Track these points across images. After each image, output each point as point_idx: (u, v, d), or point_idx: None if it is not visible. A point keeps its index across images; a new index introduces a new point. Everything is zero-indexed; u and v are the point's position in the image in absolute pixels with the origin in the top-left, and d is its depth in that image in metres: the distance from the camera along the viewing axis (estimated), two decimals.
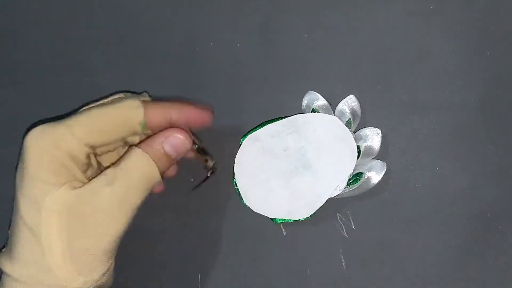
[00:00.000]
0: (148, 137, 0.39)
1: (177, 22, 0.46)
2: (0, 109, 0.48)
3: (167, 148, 0.39)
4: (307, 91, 0.44)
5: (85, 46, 0.47)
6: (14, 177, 0.38)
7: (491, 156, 0.43)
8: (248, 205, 0.43)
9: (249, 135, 0.44)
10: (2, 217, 0.48)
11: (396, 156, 0.43)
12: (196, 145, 0.40)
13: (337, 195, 0.43)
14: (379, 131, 0.43)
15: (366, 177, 0.43)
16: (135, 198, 0.37)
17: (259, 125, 0.44)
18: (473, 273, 0.39)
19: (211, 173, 0.41)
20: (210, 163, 0.41)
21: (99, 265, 0.36)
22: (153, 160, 0.37)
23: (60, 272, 0.35)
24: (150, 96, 0.42)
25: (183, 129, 0.39)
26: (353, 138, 0.43)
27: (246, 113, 0.45)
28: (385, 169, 0.43)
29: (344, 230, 0.44)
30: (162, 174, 0.38)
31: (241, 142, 0.44)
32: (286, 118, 0.43)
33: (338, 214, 0.43)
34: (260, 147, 0.43)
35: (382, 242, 0.43)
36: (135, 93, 0.42)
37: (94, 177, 0.37)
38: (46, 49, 0.48)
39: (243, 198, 0.43)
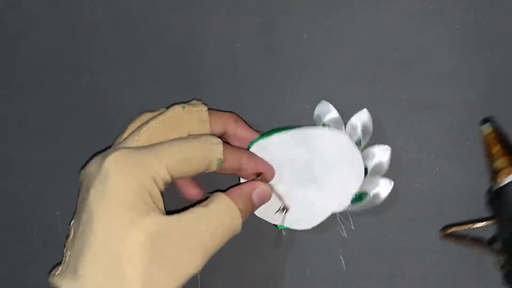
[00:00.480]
0: (235, 186, 0.40)
1: (177, 22, 0.46)
2: (0, 109, 0.48)
3: (255, 198, 0.40)
4: (320, 101, 0.44)
5: (85, 46, 0.47)
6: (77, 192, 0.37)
7: None
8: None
9: (257, 143, 0.43)
10: (2, 217, 0.48)
11: (396, 156, 0.43)
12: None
13: (339, 211, 0.43)
14: (388, 147, 0.42)
15: (371, 195, 0.42)
16: (216, 245, 0.37)
17: (268, 132, 0.43)
18: (472, 273, 0.39)
19: (285, 210, 0.42)
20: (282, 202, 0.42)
21: None
22: (242, 210, 0.38)
23: None
24: (205, 104, 0.42)
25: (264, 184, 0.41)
26: (361, 159, 0.42)
27: (246, 113, 0.45)
28: (391, 187, 0.42)
29: (344, 230, 0.44)
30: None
31: (248, 148, 0.43)
32: (297, 129, 0.43)
33: (338, 214, 0.43)
34: (267, 156, 0.42)
35: (382, 242, 0.43)
36: (197, 100, 0.43)
37: (175, 212, 0.36)
38: (46, 49, 0.48)
39: None
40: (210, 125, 0.41)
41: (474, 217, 0.42)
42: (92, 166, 0.36)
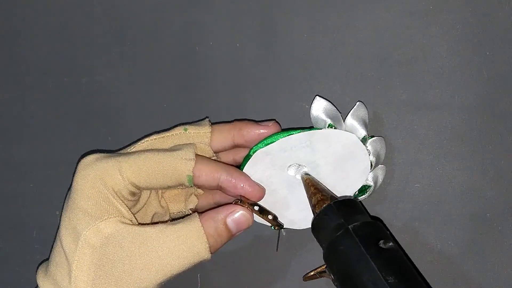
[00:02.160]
0: (213, 208, 0.38)
1: (177, 22, 0.46)
2: (0, 109, 0.48)
3: (230, 224, 0.38)
4: (315, 97, 0.42)
5: (84, 46, 0.47)
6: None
7: (490, 156, 0.43)
8: None
9: (260, 150, 0.41)
10: (2, 217, 0.48)
11: (396, 156, 0.43)
12: (258, 207, 0.39)
13: None
14: (382, 138, 0.42)
15: (372, 186, 0.42)
16: (176, 267, 0.36)
17: (270, 136, 0.41)
18: (473, 273, 0.39)
19: (279, 228, 0.41)
20: (275, 220, 0.40)
21: None
22: (213, 235, 0.36)
23: None
24: (210, 122, 0.41)
25: (247, 207, 0.38)
26: (367, 155, 0.41)
27: (246, 113, 0.45)
28: (385, 170, 0.43)
29: None
30: (215, 250, 0.37)
31: (250, 153, 0.41)
32: (301, 133, 0.41)
33: None
34: (270, 162, 0.41)
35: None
36: (199, 121, 0.42)
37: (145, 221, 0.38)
38: (45, 49, 0.48)
39: None
40: (212, 145, 0.40)
41: (474, 217, 0.42)
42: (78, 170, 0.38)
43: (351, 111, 0.42)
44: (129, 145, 0.41)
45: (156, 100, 0.46)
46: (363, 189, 0.42)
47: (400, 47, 0.43)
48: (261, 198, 0.39)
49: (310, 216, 0.41)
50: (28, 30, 0.48)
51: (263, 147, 0.40)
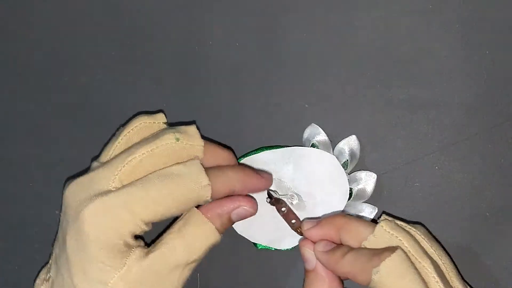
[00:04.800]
0: (215, 201, 0.38)
1: (177, 22, 0.46)
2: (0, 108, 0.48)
3: (234, 217, 0.38)
4: (310, 124, 0.43)
5: (83, 46, 0.47)
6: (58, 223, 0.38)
7: (490, 155, 0.42)
8: (233, 226, 0.42)
9: (246, 158, 0.43)
10: (2, 217, 0.48)
11: (395, 156, 0.43)
12: (272, 198, 0.41)
13: None
14: (375, 175, 0.42)
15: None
16: (195, 264, 0.37)
17: (257, 149, 0.43)
18: (473, 273, 0.39)
19: (300, 233, 0.41)
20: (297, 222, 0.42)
21: None
22: (219, 229, 0.37)
23: None
24: (165, 115, 0.41)
25: (249, 197, 0.39)
26: (347, 180, 0.42)
27: (246, 113, 0.45)
28: (375, 213, 0.42)
29: None
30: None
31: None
32: (285, 148, 0.43)
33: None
34: None
35: None
36: (151, 113, 0.41)
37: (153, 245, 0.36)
38: (45, 49, 0.48)
39: None
40: (203, 161, 0.38)
41: (474, 216, 0.42)
42: (70, 203, 0.36)
43: (343, 140, 0.43)
44: (108, 144, 0.39)
45: (156, 100, 0.46)
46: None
47: (400, 46, 0.43)
48: (268, 187, 0.41)
49: (290, 237, 0.42)
50: (28, 30, 0.48)
51: (247, 157, 0.42)
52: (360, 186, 0.43)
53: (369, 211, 0.42)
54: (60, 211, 0.38)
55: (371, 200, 0.43)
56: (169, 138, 0.37)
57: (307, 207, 0.42)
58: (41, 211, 0.47)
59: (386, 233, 0.36)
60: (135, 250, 0.35)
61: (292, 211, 0.42)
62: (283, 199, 0.42)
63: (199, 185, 0.36)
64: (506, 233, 0.42)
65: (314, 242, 0.38)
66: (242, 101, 0.45)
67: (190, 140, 0.38)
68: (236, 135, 0.45)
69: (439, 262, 0.36)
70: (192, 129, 0.38)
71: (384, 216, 0.38)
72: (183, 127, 0.38)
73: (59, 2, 0.48)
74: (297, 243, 0.42)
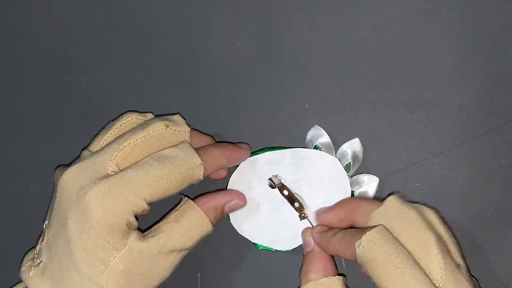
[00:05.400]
0: (208, 194, 0.41)
1: (177, 21, 0.46)
2: (0, 108, 0.48)
3: (227, 210, 0.42)
4: (313, 126, 0.44)
5: (84, 46, 0.47)
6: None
7: (490, 156, 0.43)
8: (233, 225, 0.43)
9: (247, 158, 0.43)
10: (2, 217, 0.48)
11: (395, 156, 0.43)
12: (287, 192, 0.42)
13: None
14: (377, 178, 0.43)
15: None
16: (186, 252, 0.39)
17: (259, 149, 0.44)
18: (473, 272, 0.39)
19: (303, 217, 0.42)
20: (301, 209, 0.42)
21: None
22: (212, 221, 0.40)
23: None
24: (153, 114, 0.42)
25: (238, 192, 0.42)
26: (349, 183, 0.42)
27: (246, 113, 0.45)
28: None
29: None
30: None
31: (238, 163, 0.43)
32: (288, 149, 0.43)
33: None
34: (257, 172, 0.43)
35: None
36: (139, 112, 0.42)
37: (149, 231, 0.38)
38: (45, 49, 0.48)
39: (230, 218, 0.43)
40: (204, 167, 0.40)
41: (474, 216, 0.42)
42: (70, 188, 0.37)
43: (346, 143, 0.43)
44: (98, 135, 0.41)
45: (156, 100, 0.46)
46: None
47: (400, 46, 0.43)
48: (246, 157, 0.43)
49: (291, 238, 0.42)
50: (28, 30, 0.48)
51: (249, 157, 0.43)
52: (362, 189, 0.43)
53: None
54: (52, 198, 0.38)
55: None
56: (160, 125, 0.40)
57: (308, 208, 0.42)
58: (41, 211, 0.47)
59: (395, 206, 0.38)
60: (133, 232, 0.37)
61: (294, 195, 0.42)
62: (283, 183, 0.42)
63: (193, 164, 0.38)
64: (506, 233, 0.42)
65: (330, 226, 0.41)
66: (242, 101, 0.45)
67: (178, 126, 0.41)
68: (236, 135, 0.45)
69: (444, 237, 0.37)
70: (178, 117, 0.42)
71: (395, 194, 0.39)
72: (169, 116, 0.41)
73: (59, 2, 0.48)
74: (297, 245, 0.43)
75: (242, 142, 0.44)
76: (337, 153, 0.43)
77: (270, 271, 0.45)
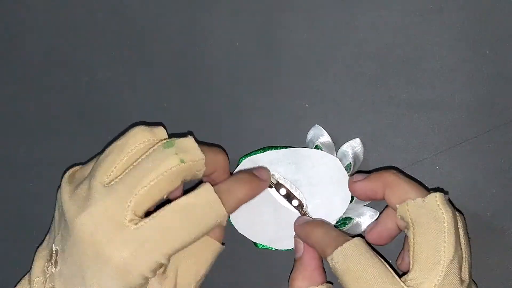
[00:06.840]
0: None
1: (177, 21, 0.46)
2: (0, 108, 0.48)
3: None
4: (314, 125, 0.44)
5: (84, 46, 0.47)
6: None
7: (490, 156, 0.43)
8: (233, 224, 0.43)
9: (249, 157, 0.43)
10: (2, 217, 0.48)
11: (395, 155, 0.43)
12: (285, 190, 0.42)
13: None
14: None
15: (354, 222, 0.42)
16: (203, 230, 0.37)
17: (260, 149, 0.44)
18: (473, 272, 0.39)
19: (303, 215, 0.42)
20: (301, 207, 0.42)
21: None
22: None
23: None
24: (165, 128, 0.39)
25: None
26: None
27: (246, 113, 0.45)
28: (376, 217, 0.42)
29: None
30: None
31: (239, 162, 0.43)
32: (289, 149, 0.43)
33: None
34: None
35: None
36: (148, 126, 0.39)
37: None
38: (45, 49, 0.48)
39: (230, 217, 0.43)
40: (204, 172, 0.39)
41: (474, 216, 0.42)
42: (86, 239, 0.35)
43: (347, 143, 0.43)
44: (112, 192, 0.37)
45: (156, 100, 0.46)
46: (344, 222, 0.42)
47: (400, 46, 0.43)
48: (269, 182, 0.43)
49: (291, 237, 0.42)
50: (28, 29, 0.48)
51: (250, 156, 0.43)
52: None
53: (370, 215, 0.42)
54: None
55: (372, 204, 0.43)
56: (173, 162, 0.36)
57: (309, 209, 0.42)
58: (41, 211, 0.47)
59: (435, 205, 0.36)
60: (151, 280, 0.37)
61: (292, 192, 0.42)
62: (281, 182, 0.42)
63: (218, 216, 0.37)
64: (506, 232, 0.42)
65: (361, 196, 0.40)
66: (242, 101, 0.45)
67: (192, 157, 0.37)
68: (236, 135, 0.45)
69: (463, 251, 0.37)
70: (191, 143, 0.38)
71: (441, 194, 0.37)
72: (182, 143, 0.38)
73: (59, 2, 0.48)
74: (285, 247, 0.43)
75: (261, 168, 0.42)
76: (338, 153, 0.43)
77: (270, 270, 0.45)
